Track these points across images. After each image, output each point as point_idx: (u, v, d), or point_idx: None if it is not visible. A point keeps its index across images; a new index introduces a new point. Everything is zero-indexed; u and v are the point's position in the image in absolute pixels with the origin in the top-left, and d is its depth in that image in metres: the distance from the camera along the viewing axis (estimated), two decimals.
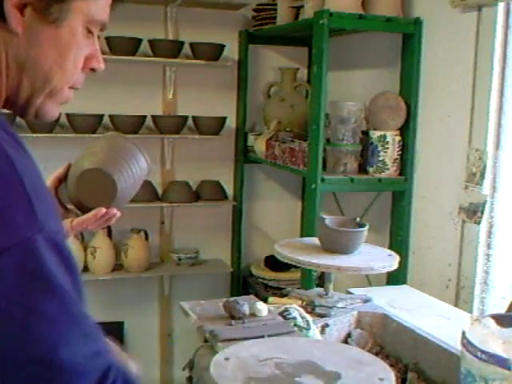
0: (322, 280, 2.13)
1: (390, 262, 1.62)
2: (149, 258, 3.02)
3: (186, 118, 3.01)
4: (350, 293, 1.76)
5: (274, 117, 2.96)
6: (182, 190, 3.03)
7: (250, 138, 3.08)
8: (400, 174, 2.38)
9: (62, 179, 1.18)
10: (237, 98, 3.19)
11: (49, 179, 1.14)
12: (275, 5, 2.83)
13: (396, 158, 2.35)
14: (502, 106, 1.98)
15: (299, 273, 2.57)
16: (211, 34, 3.02)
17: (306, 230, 2.36)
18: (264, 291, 2.97)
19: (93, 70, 0.90)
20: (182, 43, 2.96)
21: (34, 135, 2.71)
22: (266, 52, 3.23)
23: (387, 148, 2.33)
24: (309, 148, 2.35)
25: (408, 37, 2.35)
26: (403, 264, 2.22)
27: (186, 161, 3.17)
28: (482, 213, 1.99)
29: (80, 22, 0.84)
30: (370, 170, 2.38)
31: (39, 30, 0.80)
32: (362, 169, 2.43)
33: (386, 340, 1.58)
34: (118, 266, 2.98)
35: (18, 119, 2.80)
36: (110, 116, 2.84)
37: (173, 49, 2.92)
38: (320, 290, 1.73)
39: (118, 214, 1.15)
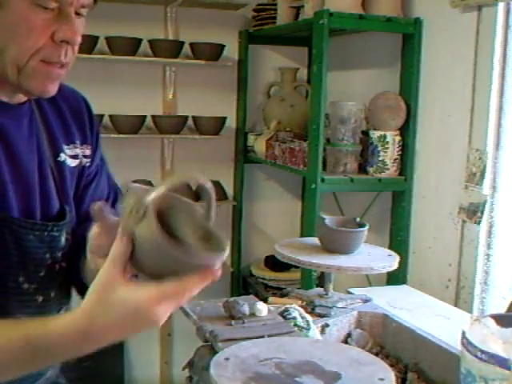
0: (321, 280, 2.13)
1: (389, 262, 1.62)
2: None
3: (186, 118, 3.01)
4: (350, 293, 1.76)
5: (273, 117, 2.96)
6: (182, 190, 3.03)
7: (250, 138, 3.08)
8: (400, 174, 2.38)
9: None
10: (237, 98, 3.19)
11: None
12: (275, 5, 2.83)
13: (396, 158, 2.35)
14: (502, 106, 1.98)
15: (299, 273, 2.57)
16: (211, 34, 3.02)
17: (306, 230, 2.36)
18: (264, 291, 2.97)
19: (65, 41, 0.96)
20: (182, 43, 2.96)
21: None
22: (266, 52, 3.23)
23: (387, 148, 2.33)
24: (309, 148, 2.35)
25: (408, 37, 2.35)
26: (403, 264, 2.23)
27: (186, 161, 3.17)
28: (482, 213, 1.99)
29: (25, 2, 0.92)
30: (370, 170, 2.38)
31: None
32: (362, 169, 2.43)
33: (386, 340, 1.58)
34: None
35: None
36: (110, 116, 2.84)
37: (173, 49, 2.92)
38: (320, 289, 1.73)
39: None
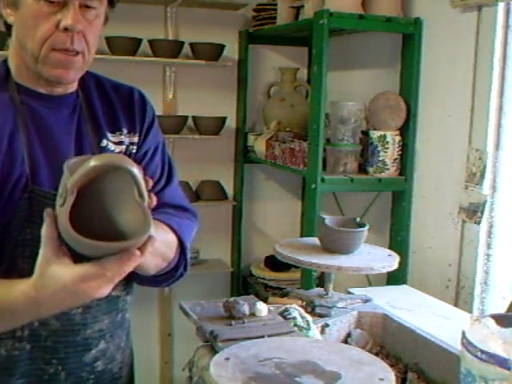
0: (321, 280, 2.13)
1: (389, 262, 1.62)
2: None
3: (186, 117, 3.01)
4: (350, 293, 1.76)
5: (274, 117, 2.96)
6: None
7: (250, 138, 3.08)
8: (400, 174, 2.38)
9: None
10: (237, 98, 3.19)
11: None
12: (275, 5, 2.83)
13: (396, 158, 2.35)
14: (502, 106, 1.98)
15: (299, 273, 2.57)
16: (211, 34, 3.02)
17: (306, 230, 2.36)
18: (264, 291, 2.97)
19: (66, 29, 1.08)
20: (182, 43, 2.96)
21: None
22: (266, 52, 3.23)
23: (387, 148, 2.33)
24: (309, 148, 2.35)
25: (408, 37, 2.35)
26: (403, 264, 2.23)
27: (186, 161, 3.17)
28: (482, 213, 1.99)
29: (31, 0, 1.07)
30: (370, 170, 2.38)
31: (16, 17, 1.11)
32: (362, 169, 2.43)
33: (386, 340, 1.58)
34: None
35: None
36: None
37: (173, 49, 2.92)
38: (320, 290, 1.73)
39: None
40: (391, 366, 1.36)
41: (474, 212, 2.02)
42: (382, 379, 1.11)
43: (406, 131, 2.36)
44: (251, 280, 3.18)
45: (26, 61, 1.13)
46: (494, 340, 0.99)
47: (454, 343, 1.33)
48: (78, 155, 1.13)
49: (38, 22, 1.08)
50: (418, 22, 2.31)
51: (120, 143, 1.24)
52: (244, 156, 3.16)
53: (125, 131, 1.25)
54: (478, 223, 2.00)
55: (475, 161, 2.03)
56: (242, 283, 3.27)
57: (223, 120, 3.04)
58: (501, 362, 0.91)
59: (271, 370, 1.13)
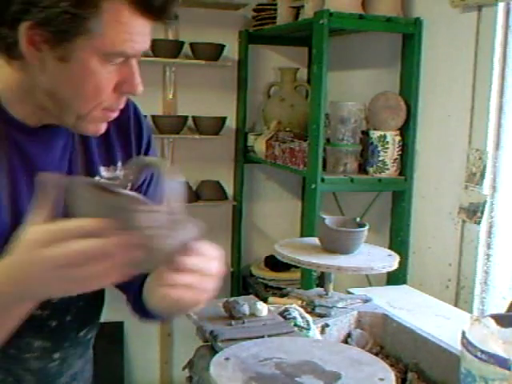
0: (321, 280, 2.13)
1: (389, 262, 1.62)
2: None
3: (186, 117, 3.01)
4: (350, 293, 1.76)
5: (273, 117, 2.96)
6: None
7: (250, 138, 3.08)
8: (400, 174, 2.38)
9: None
10: (237, 98, 3.19)
11: None
12: (275, 5, 2.83)
13: (396, 158, 2.35)
14: (502, 106, 1.98)
15: (299, 273, 2.57)
16: (211, 34, 3.02)
17: (306, 230, 2.36)
18: (264, 291, 2.97)
19: (129, 92, 0.96)
20: (182, 43, 2.96)
21: None
22: (266, 52, 3.23)
23: (387, 148, 2.33)
24: (309, 148, 2.35)
25: (408, 37, 2.35)
26: (403, 264, 2.23)
27: (186, 161, 3.17)
28: (482, 213, 1.99)
29: (89, 56, 0.89)
30: (370, 169, 2.38)
31: (53, 66, 0.90)
32: (362, 169, 2.43)
33: (385, 340, 1.58)
34: None
35: None
36: None
37: (173, 49, 2.93)
38: (320, 289, 1.73)
39: None
40: (391, 365, 1.36)
41: (473, 212, 2.02)
42: (382, 379, 1.11)
43: (406, 131, 2.36)
44: (251, 280, 3.18)
45: (52, 110, 0.96)
46: (493, 340, 0.99)
47: (454, 343, 1.32)
48: None
49: (97, 86, 0.92)
50: (417, 22, 2.31)
51: (113, 179, 1.09)
52: (244, 156, 3.16)
53: (119, 164, 1.11)
54: (478, 223, 2.00)
55: (475, 161, 2.03)
56: (242, 283, 3.27)
57: (223, 120, 3.04)
58: (501, 362, 0.91)
59: (271, 370, 1.13)
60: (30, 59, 0.89)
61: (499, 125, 1.99)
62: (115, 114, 0.99)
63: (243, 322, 1.40)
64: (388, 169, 2.35)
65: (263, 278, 3.06)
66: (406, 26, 2.32)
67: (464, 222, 2.09)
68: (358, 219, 1.72)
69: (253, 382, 1.07)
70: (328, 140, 2.41)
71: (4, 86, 0.97)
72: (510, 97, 1.97)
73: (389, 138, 2.33)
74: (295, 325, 1.42)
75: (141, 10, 0.89)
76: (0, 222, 0.95)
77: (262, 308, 1.45)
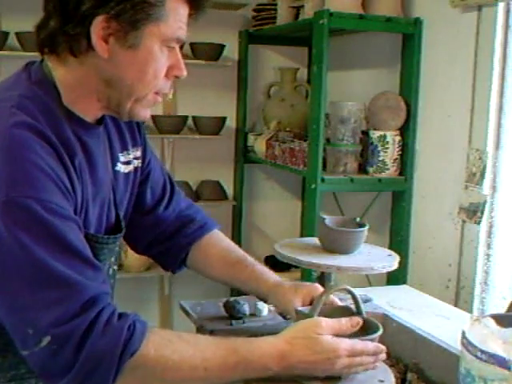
0: (321, 280, 2.12)
1: (389, 262, 1.62)
2: (149, 258, 3.02)
3: (186, 118, 3.01)
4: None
5: (273, 117, 2.96)
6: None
7: (250, 138, 3.08)
8: (400, 174, 2.38)
9: None
10: (237, 98, 3.19)
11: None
12: (275, 5, 2.83)
13: (396, 158, 2.35)
14: (502, 106, 1.98)
15: (299, 273, 2.56)
16: (211, 34, 3.02)
17: (306, 230, 2.36)
18: None
19: (176, 76, 1.07)
20: (182, 43, 2.96)
21: None
22: (266, 52, 3.23)
23: (387, 148, 2.33)
24: (309, 148, 2.35)
25: (408, 37, 2.35)
26: (403, 264, 2.22)
27: (186, 161, 3.17)
28: (482, 213, 1.99)
29: (154, 42, 1.00)
30: (370, 169, 2.38)
31: (120, 54, 0.99)
32: (362, 169, 2.43)
33: (386, 340, 1.58)
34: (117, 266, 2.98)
35: None
36: None
37: None
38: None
39: None
40: (391, 366, 1.36)
41: (473, 212, 2.02)
42: (382, 381, 1.11)
43: (406, 131, 2.36)
44: None
45: (111, 98, 1.04)
46: (493, 340, 0.99)
47: (453, 343, 1.32)
48: (108, 189, 1.13)
49: (157, 70, 1.02)
50: (418, 22, 2.31)
51: (128, 163, 1.20)
52: (244, 156, 3.16)
53: (130, 148, 1.22)
54: (478, 223, 2.00)
55: (475, 161, 2.03)
56: None
57: (223, 120, 3.04)
58: (501, 361, 0.91)
59: None
60: (101, 52, 0.97)
61: (499, 125, 1.99)
62: (161, 99, 1.08)
63: (243, 322, 1.40)
64: (388, 169, 2.35)
65: None
66: (406, 26, 2.32)
67: (464, 221, 2.09)
68: (358, 219, 1.72)
69: (253, 381, 1.07)
70: (328, 140, 2.41)
71: (63, 84, 1.02)
72: (510, 97, 1.97)
73: (389, 138, 2.33)
74: None
75: (189, 0, 1.02)
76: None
77: (262, 308, 1.45)
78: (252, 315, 1.43)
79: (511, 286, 1.97)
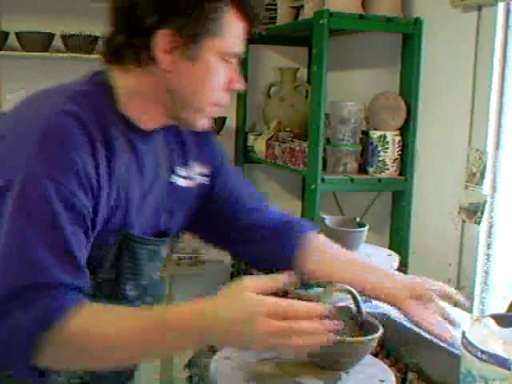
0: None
1: (390, 261, 1.62)
2: None
3: None
4: (350, 292, 1.76)
5: (274, 117, 2.96)
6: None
7: (250, 138, 3.08)
8: (400, 174, 2.38)
9: None
10: (237, 98, 3.19)
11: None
12: (275, 5, 2.83)
13: (396, 158, 2.35)
14: (502, 106, 1.98)
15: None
16: None
17: None
18: None
19: (234, 89, 1.14)
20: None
21: None
22: (265, 52, 3.23)
23: (387, 148, 2.33)
24: (309, 148, 2.35)
25: (408, 37, 2.35)
26: (403, 264, 2.22)
27: None
28: (482, 213, 1.99)
29: (213, 55, 1.07)
30: (370, 170, 2.38)
31: (181, 66, 1.06)
32: (362, 169, 2.43)
33: (385, 340, 1.58)
34: None
35: None
36: None
37: None
38: (320, 290, 1.73)
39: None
40: (391, 366, 1.36)
41: (474, 212, 2.02)
42: (382, 381, 1.12)
43: (406, 131, 2.36)
44: None
45: (171, 107, 1.10)
46: (494, 340, 0.99)
47: (454, 343, 1.32)
48: (158, 196, 1.17)
49: (217, 83, 1.09)
50: (418, 22, 2.31)
51: (187, 177, 1.24)
52: (244, 156, 3.15)
53: (193, 164, 1.25)
54: (478, 223, 2.00)
55: (475, 161, 2.03)
56: None
57: (223, 120, 3.04)
58: (501, 361, 0.91)
59: (271, 370, 1.13)
60: (163, 63, 1.04)
61: (499, 125, 1.99)
62: (220, 110, 1.15)
63: None
64: (388, 169, 2.35)
65: None
66: (406, 26, 2.32)
67: (464, 221, 2.09)
68: (358, 219, 1.73)
69: (253, 382, 1.07)
70: (328, 140, 2.41)
71: (122, 91, 1.09)
72: (510, 97, 1.97)
73: (389, 138, 2.33)
74: None
75: (245, 17, 1.08)
76: (118, 215, 1.07)
77: None
78: None
79: (511, 286, 1.97)
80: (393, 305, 1.31)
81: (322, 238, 1.40)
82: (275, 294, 0.96)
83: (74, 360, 0.97)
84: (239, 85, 1.14)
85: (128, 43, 1.06)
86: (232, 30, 1.08)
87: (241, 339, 0.91)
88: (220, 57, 1.08)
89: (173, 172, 1.21)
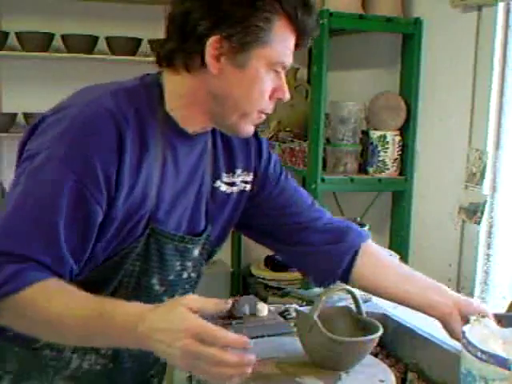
0: None
1: None
2: None
3: None
4: (350, 292, 1.76)
5: (274, 117, 2.96)
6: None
7: None
8: (400, 174, 2.38)
9: None
10: None
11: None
12: None
13: (396, 158, 2.35)
14: (502, 106, 1.99)
15: (299, 273, 2.56)
16: None
17: None
18: (264, 291, 2.97)
19: (279, 99, 1.14)
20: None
21: None
22: None
23: (387, 148, 2.33)
24: (309, 148, 2.35)
25: (408, 37, 2.35)
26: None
27: None
28: (482, 213, 1.99)
29: (261, 64, 1.08)
30: (370, 170, 2.38)
31: (230, 72, 1.07)
32: (362, 169, 2.43)
33: (385, 340, 1.58)
34: None
35: None
36: None
37: None
38: (320, 289, 1.73)
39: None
40: (391, 366, 1.36)
41: (474, 212, 2.02)
42: (382, 381, 1.11)
43: (406, 131, 2.36)
44: (251, 280, 3.18)
45: (217, 112, 1.12)
46: (494, 340, 0.99)
47: (454, 343, 1.33)
48: (196, 198, 1.20)
49: (263, 92, 1.10)
50: (418, 22, 2.31)
51: (232, 184, 1.25)
52: None
53: (239, 171, 1.26)
54: (478, 223, 2.00)
55: (475, 161, 2.03)
56: (242, 283, 3.27)
57: None
58: (501, 361, 0.91)
59: (271, 370, 1.13)
60: (212, 68, 1.06)
61: (499, 125, 1.99)
62: (264, 118, 1.15)
63: (243, 322, 1.40)
64: (388, 169, 2.35)
65: (263, 278, 3.05)
66: (405, 26, 2.32)
67: (464, 221, 2.09)
68: (358, 219, 1.72)
69: (253, 382, 1.07)
70: (328, 140, 2.41)
71: (172, 93, 1.13)
72: (510, 97, 1.97)
73: (389, 138, 2.33)
74: (295, 325, 1.42)
75: (295, 29, 1.09)
76: (146, 208, 1.10)
77: (262, 308, 1.45)
78: (252, 315, 1.43)
79: (511, 286, 1.97)
80: (436, 317, 1.31)
81: (375, 246, 1.40)
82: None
83: (26, 327, 1.01)
84: (284, 95, 1.14)
85: (180, 48, 1.10)
86: (281, 41, 1.09)
87: (167, 352, 0.90)
88: (268, 66, 1.09)
89: (217, 177, 1.23)
